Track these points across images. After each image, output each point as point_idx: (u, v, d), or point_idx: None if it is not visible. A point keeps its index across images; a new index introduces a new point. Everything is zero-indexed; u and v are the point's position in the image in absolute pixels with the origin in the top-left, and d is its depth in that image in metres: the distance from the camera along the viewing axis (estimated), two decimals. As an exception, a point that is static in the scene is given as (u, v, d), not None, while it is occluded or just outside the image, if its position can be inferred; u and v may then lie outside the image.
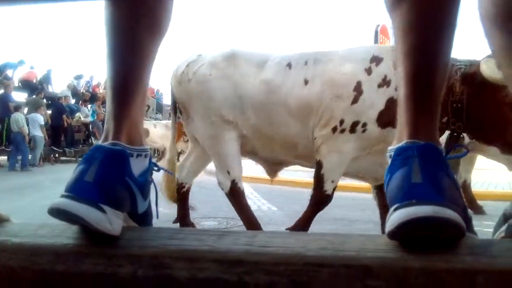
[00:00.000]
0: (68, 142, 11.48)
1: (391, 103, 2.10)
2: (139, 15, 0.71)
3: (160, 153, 12.16)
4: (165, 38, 0.76)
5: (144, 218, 0.71)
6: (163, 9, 0.75)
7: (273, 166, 2.62)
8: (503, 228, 0.65)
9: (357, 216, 3.77)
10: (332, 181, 2.25)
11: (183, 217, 2.89)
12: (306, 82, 2.27)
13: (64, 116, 11.06)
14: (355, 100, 2.17)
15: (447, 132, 2.02)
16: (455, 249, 0.52)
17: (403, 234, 0.52)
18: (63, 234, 0.63)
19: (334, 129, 2.17)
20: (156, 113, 18.86)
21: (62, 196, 0.58)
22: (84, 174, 0.59)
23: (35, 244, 0.61)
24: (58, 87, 13.20)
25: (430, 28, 0.63)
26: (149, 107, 16.62)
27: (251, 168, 9.12)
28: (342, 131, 2.18)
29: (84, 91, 14.10)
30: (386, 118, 2.12)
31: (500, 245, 0.53)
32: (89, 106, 13.59)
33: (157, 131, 11.82)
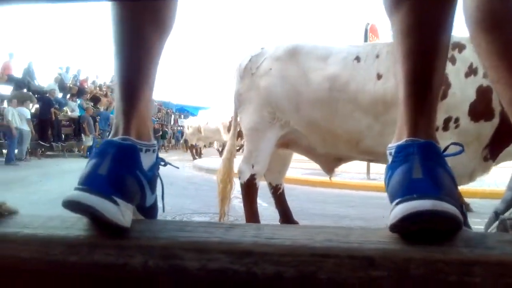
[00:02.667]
0: (55, 136, 11.36)
1: (481, 93, 1.98)
2: (145, 14, 0.72)
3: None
4: (171, 35, 0.78)
5: (150, 211, 0.73)
6: (168, 7, 0.76)
7: (331, 163, 2.60)
8: (495, 224, 0.69)
9: (346, 213, 3.83)
10: None
11: (286, 217, 2.88)
12: (379, 76, 2.16)
13: (53, 110, 10.95)
14: (444, 95, 2.02)
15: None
16: (452, 241, 0.55)
17: (405, 227, 0.54)
18: (74, 226, 0.65)
19: None
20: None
21: (76, 188, 0.59)
22: (97, 168, 0.60)
23: (47, 235, 0.62)
24: (41, 79, 13.04)
25: (428, 31, 0.66)
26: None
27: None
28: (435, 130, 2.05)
29: (71, 85, 13.94)
30: (478, 110, 2.00)
31: (493, 238, 0.57)
32: (77, 100, 13.44)
33: (209, 127, 12.46)
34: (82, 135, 11.92)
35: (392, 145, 0.64)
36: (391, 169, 0.61)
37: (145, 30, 0.72)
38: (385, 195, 0.64)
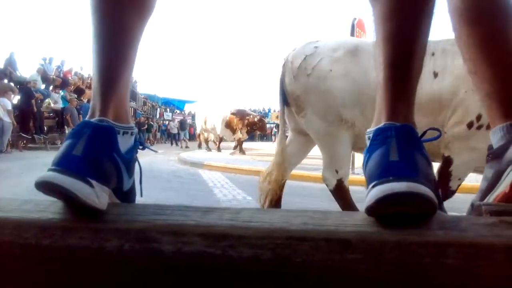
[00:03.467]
0: (37, 128, 11.17)
1: None
2: None
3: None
4: (151, 19, 0.77)
5: (128, 196, 0.72)
6: None
7: None
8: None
9: (329, 207, 3.84)
10: (459, 179, 2.16)
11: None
12: (435, 74, 2.10)
13: (33, 101, 10.74)
14: None
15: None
16: (427, 224, 0.56)
17: (381, 208, 0.55)
18: (48, 209, 0.63)
19: (470, 125, 2.01)
20: (130, 101, 18.60)
21: (50, 169, 0.58)
22: (72, 148, 0.59)
23: (20, 219, 0.61)
24: (24, 70, 12.79)
25: (409, 15, 0.66)
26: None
27: (225, 158, 9.14)
28: (479, 127, 2.00)
29: (54, 76, 13.69)
30: None
31: (468, 221, 0.57)
32: (61, 92, 13.21)
33: (210, 121, 12.18)
34: (66, 127, 11.73)
35: (371, 129, 0.65)
36: (368, 152, 0.61)
37: (125, 11, 0.70)
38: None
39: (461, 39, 0.82)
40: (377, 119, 0.66)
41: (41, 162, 7.31)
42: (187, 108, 33.71)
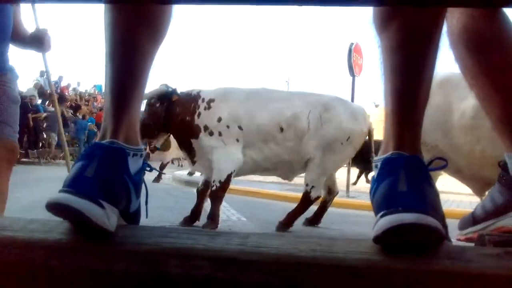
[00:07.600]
0: (31, 143, 11.09)
1: None
2: (139, 19, 0.72)
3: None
4: (164, 44, 0.78)
5: (134, 217, 0.72)
6: (163, 16, 0.77)
7: (481, 185, 2.62)
8: (472, 229, 0.71)
9: (326, 230, 3.84)
10: None
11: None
12: None
13: (29, 115, 10.69)
14: None
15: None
16: (434, 253, 0.56)
17: (389, 239, 0.55)
18: (55, 229, 0.63)
19: None
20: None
21: (61, 191, 0.58)
22: (84, 170, 0.60)
23: (28, 239, 0.61)
24: (22, 85, 12.76)
25: (416, 49, 0.68)
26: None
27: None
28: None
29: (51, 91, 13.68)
30: None
31: (473, 251, 0.58)
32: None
33: None
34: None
35: (378, 157, 0.66)
36: (377, 182, 0.62)
37: (139, 36, 0.72)
38: (364, 213, 0.65)
39: (466, 67, 0.84)
40: (385, 148, 0.67)
41: (33, 177, 7.26)
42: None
